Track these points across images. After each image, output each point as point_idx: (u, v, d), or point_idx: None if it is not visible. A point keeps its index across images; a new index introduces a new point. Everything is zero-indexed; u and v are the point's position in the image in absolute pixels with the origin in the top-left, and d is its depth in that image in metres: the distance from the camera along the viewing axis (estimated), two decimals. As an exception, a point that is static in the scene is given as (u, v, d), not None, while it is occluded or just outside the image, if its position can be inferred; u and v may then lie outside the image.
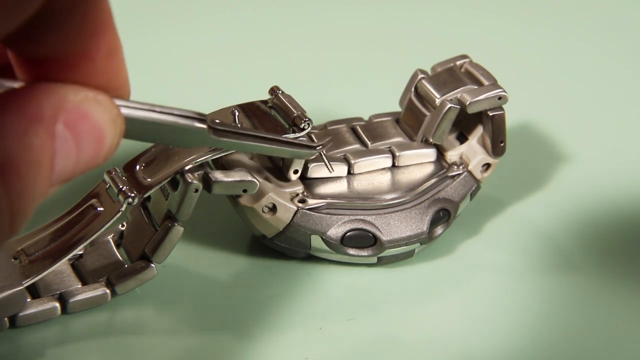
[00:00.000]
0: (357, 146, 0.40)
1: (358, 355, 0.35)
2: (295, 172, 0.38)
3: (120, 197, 0.34)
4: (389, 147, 0.40)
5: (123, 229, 0.38)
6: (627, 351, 0.36)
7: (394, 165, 0.40)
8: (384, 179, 0.39)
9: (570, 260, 0.40)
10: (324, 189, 0.38)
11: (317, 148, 0.37)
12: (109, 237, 0.38)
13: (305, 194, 0.38)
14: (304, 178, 0.38)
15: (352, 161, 0.39)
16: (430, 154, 0.40)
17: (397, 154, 0.39)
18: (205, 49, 0.54)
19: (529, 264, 0.39)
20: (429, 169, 0.40)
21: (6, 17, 0.20)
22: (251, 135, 0.34)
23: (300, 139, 0.36)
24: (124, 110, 0.25)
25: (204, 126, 0.28)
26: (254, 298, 0.38)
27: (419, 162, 0.40)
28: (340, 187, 0.39)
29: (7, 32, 0.21)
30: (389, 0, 0.59)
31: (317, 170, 0.38)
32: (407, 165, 0.40)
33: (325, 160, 0.38)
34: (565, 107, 0.50)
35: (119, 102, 0.25)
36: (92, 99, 0.23)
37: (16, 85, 0.22)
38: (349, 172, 0.39)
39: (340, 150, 0.40)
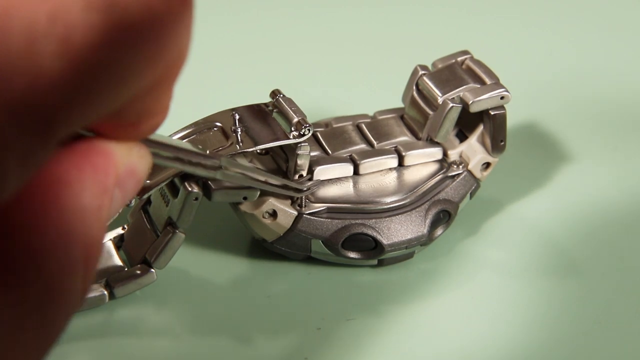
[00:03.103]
0: (363, 146, 0.40)
1: (358, 355, 0.35)
2: (300, 177, 0.37)
3: None
4: (395, 147, 0.40)
5: (124, 232, 0.38)
6: (626, 351, 0.36)
7: (399, 165, 0.39)
8: (387, 180, 0.39)
9: (569, 260, 0.40)
10: (326, 191, 0.38)
11: (304, 191, 0.37)
12: (109, 239, 0.38)
13: (306, 196, 0.37)
14: None
15: (359, 162, 0.39)
16: (436, 152, 0.40)
17: (403, 153, 0.39)
18: (209, 50, 0.54)
19: (528, 263, 0.39)
20: (432, 168, 0.40)
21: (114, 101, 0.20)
22: (256, 173, 0.35)
23: (292, 183, 0.37)
24: (156, 160, 0.26)
25: (217, 171, 0.32)
26: (254, 298, 0.38)
27: (425, 161, 0.40)
28: (342, 189, 0.38)
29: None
30: (389, 0, 0.59)
31: (322, 173, 0.38)
32: (412, 165, 0.39)
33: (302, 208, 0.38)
34: (565, 106, 0.50)
35: (153, 149, 0.25)
36: (139, 155, 0.23)
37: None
38: (355, 173, 0.39)
39: (347, 150, 0.39)
